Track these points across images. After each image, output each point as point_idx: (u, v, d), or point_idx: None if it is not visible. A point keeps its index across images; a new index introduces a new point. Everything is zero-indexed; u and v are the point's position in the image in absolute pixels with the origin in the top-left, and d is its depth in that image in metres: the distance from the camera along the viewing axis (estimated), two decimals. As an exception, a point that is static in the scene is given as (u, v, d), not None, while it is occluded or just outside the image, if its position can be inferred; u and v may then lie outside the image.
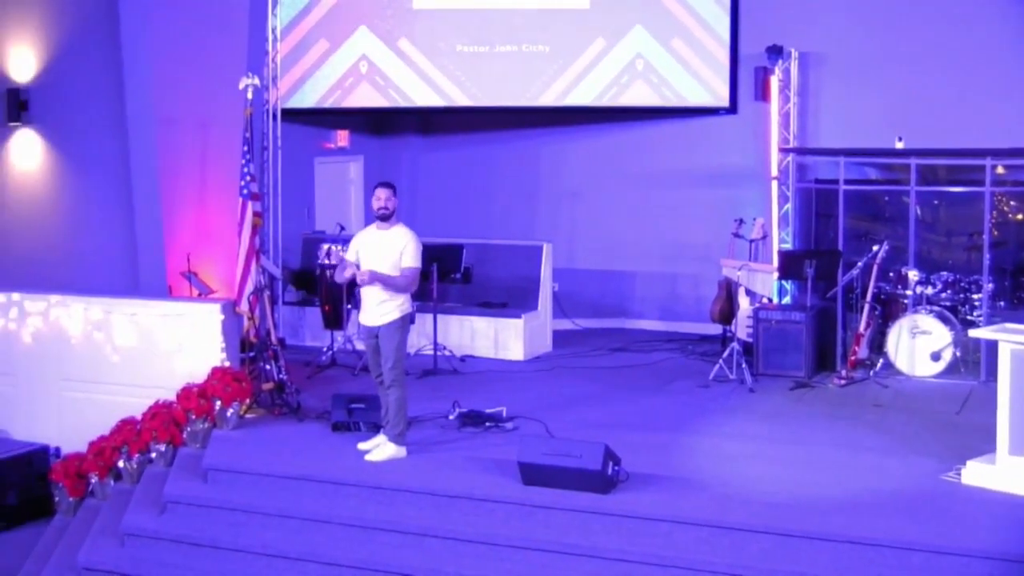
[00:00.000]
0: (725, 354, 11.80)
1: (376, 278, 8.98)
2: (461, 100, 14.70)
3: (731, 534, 7.66)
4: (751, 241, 12.38)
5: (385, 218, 9.09)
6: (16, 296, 11.04)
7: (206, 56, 13.05)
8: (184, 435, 9.91)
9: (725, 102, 14.48)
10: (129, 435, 9.95)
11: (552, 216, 15.57)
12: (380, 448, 9.15)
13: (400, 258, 9.02)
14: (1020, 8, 12.90)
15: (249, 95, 11.30)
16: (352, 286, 9.60)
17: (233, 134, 12.44)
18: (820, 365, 12.10)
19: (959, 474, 8.38)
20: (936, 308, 11.80)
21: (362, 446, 9.28)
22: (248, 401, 10.29)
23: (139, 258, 12.62)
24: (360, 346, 12.46)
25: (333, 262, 12.54)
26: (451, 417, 10.11)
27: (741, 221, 12.64)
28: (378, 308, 9.06)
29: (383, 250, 9.05)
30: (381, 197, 9.09)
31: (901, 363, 11.69)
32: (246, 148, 11.26)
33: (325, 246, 12.76)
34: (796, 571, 7.36)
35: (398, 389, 9.10)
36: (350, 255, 9.25)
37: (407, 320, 9.22)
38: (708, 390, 11.39)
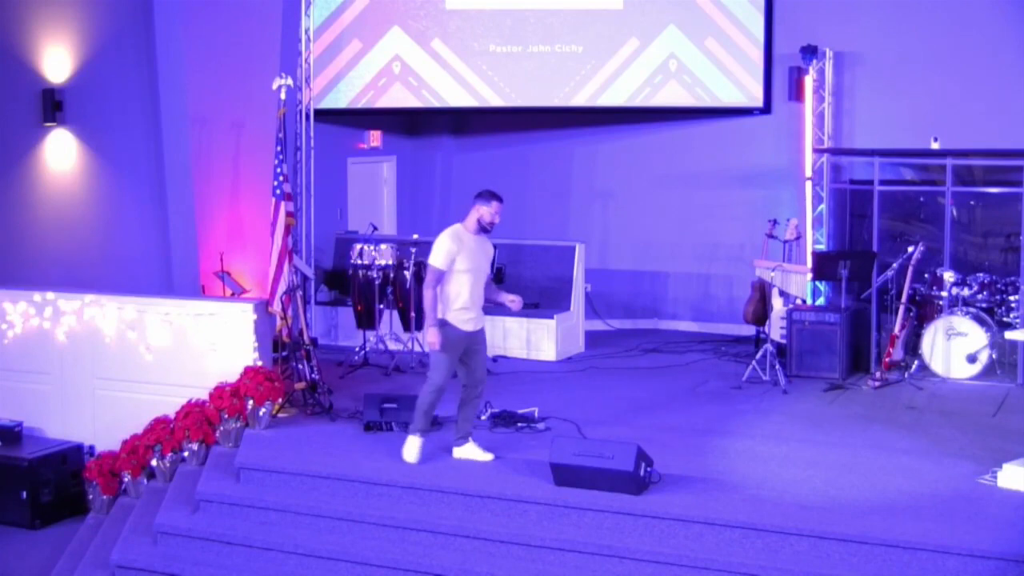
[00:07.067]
0: (758, 355, 11.76)
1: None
2: (494, 100, 14.70)
3: (764, 536, 7.62)
4: (785, 242, 12.32)
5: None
6: (51, 295, 11.09)
7: (239, 56, 13.09)
8: (217, 434, 9.96)
9: (759, 102, 14.43)
10: (162, 434, 10.00)
11: (585, 216, 15.54)
12: (473, 448, 9.12)
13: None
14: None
15: (282, 95, 11.33)
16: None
17: (266, 134, 12.49)
18: (854, 367, 12.04)
19: (995, 477, 8.30)
20: (972, 310, 11.70)
21: (460, 454, 9.13)
22: (281, 400, 10.31)
23: (172, 257, 12.69)
24: (393, 346, 12.51)
25: (365, 262, 12.55)
26: (483, 418, 10.09)
27: (775, 222, 12.60)
28: (480, 312, 9.02)
29: (486, 257, 9.05)
30: (499, 213, 8.85)
31: (936, 365, 11.61)
32: (279, 148, 11.29)
33: (357, 246, 12.76)
34: (829, 574, 7.32)
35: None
36: (444, 262, 8.74)
37: None
38: (741, 391, 11.34)
